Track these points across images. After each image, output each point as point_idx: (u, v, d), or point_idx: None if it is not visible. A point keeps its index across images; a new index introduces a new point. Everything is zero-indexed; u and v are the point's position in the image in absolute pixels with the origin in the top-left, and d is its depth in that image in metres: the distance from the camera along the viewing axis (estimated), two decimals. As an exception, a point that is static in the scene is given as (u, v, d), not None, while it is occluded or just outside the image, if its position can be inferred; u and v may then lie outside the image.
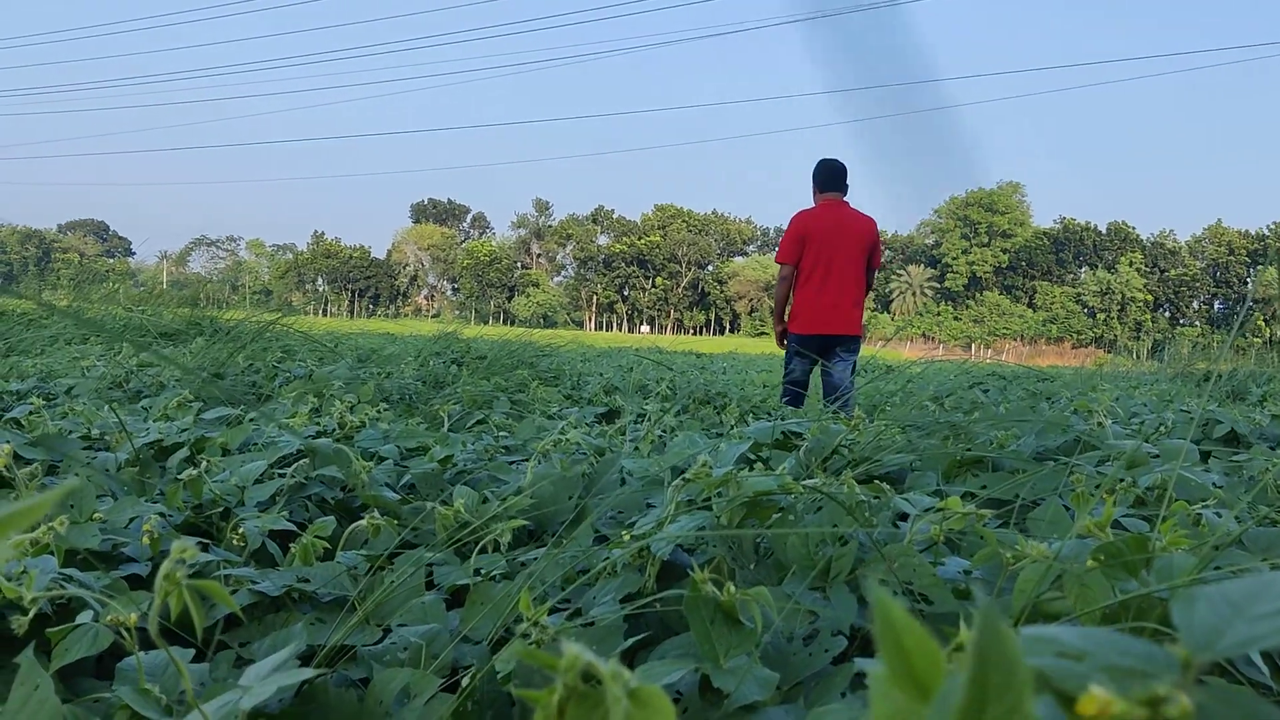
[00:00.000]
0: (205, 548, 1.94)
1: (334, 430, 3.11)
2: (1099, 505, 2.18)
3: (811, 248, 7.01)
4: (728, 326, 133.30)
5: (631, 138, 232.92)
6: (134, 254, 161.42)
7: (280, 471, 2.28)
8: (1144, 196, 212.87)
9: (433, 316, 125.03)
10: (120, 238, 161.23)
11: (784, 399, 6.96)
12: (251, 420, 3.66)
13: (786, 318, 7.21)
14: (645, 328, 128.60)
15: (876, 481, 2.37)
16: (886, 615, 0.35)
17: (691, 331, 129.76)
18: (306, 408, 3.32)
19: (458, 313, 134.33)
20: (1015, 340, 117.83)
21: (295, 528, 1.96)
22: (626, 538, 1.76)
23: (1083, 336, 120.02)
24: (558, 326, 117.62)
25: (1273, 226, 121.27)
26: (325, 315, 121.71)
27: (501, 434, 3.98)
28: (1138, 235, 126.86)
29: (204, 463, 2.06)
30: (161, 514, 2.07)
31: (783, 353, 7.29)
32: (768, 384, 12.45)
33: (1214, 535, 1.56)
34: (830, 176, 7.19)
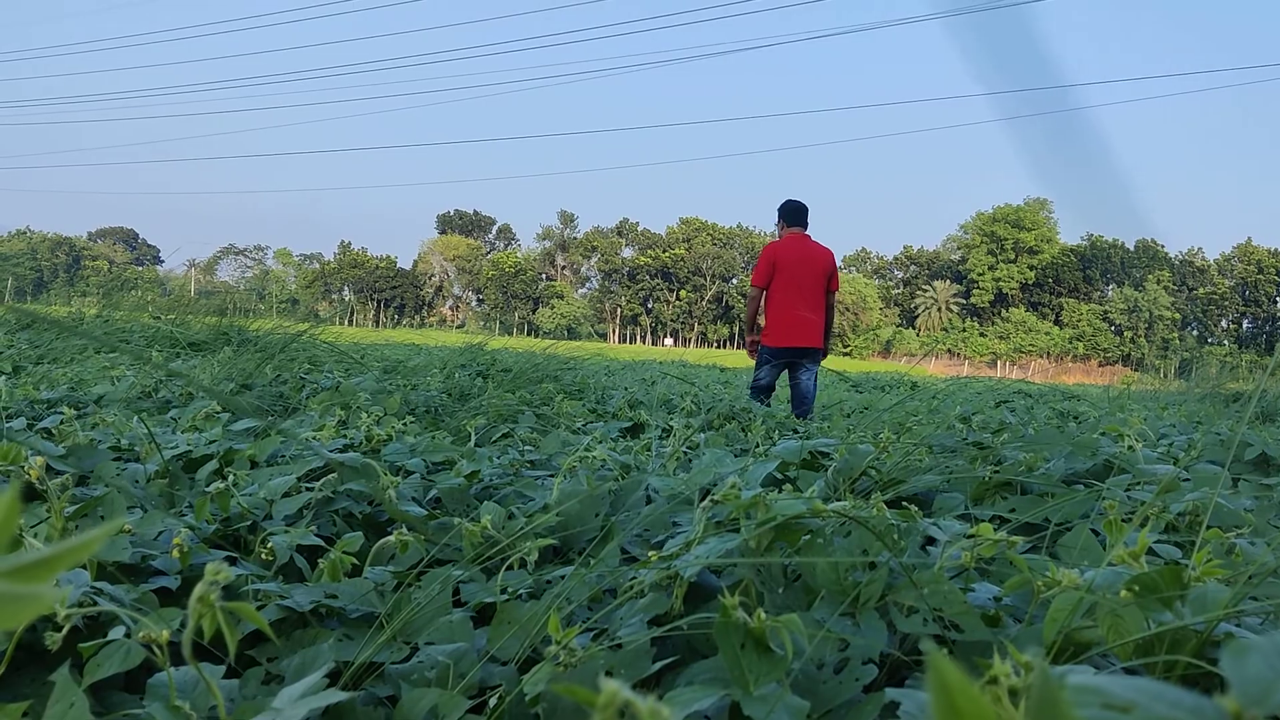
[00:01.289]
0: (233, 562, 1.94)
1: (361, 443, 3.12)
2: (1133, 533, 2.16)
3: (781, 274, 8.39)
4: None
5: (657, 150, 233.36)
6: (162, 262, 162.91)
7: (308, 485, 2.29)
8: (1173, 214, 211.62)
9: (458, 327, 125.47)
10: (149, 245, 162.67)
11: (751, 399, 7.82)
12: (279, 433, 3.68)
13: (757, 332, 8.65)
14: (669, 340, 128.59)
15: (905, 505, 2.36)
16: (941, 677, 0.35)
17: (715, 345, 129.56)
18: (334, 420, 3.33)
19: (482, 324, 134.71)
20: (1041, 357, 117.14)
21: (323, 542, 1.96)
22: (654, 558, 1.75)
23: (1109, 354, 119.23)
24: (581, 338, 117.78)
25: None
26: (351, 325, 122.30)
27: (527, 448, 3.98)
28: (1166, 253, 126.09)
29: (231, 476, 2.07)
30: (190, 527, 2.08)
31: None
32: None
33: (1249, 565, 1.55)
34: (795, 214, 8.60)
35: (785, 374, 8.93)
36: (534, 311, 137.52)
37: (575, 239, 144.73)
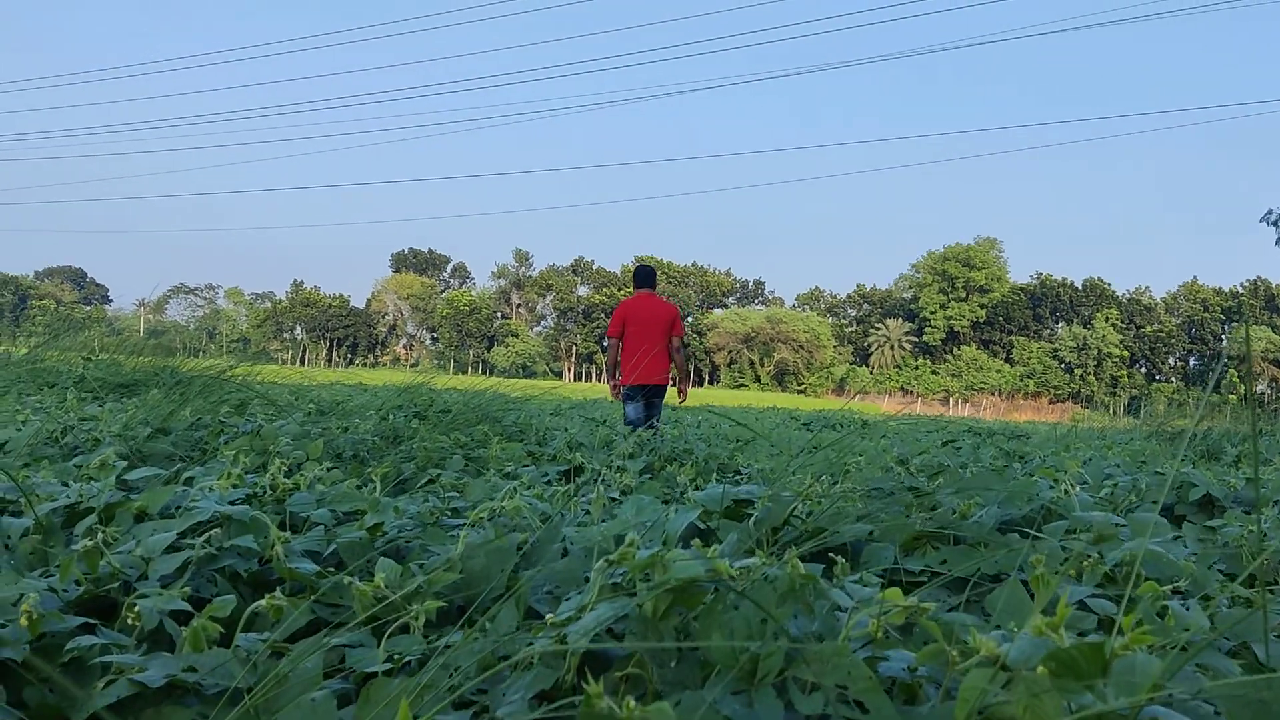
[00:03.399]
0: (92, 629, 1.78)
1: (266, 493, 2.95)
2: (1064, 583, 2.05)
3: (630, 326, 10.32)
4: (706, 378, 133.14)
5: (612, 189, 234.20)
6: (110, 301, 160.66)
7: (190, 542, 2.12)
8: (1120, 253, 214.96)
9: (411, 366, 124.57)
10: (97, 284, 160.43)
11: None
12: (182, 482, 3.50)
13: (618, 375, 10.44)
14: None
15: (832, 556, 2.23)
16: None
17: (671, 381, 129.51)
18: (239, 468, 3.15)
19: (436, 362, 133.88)
20: (993, 394, 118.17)
21: (190, 608, 1.79)
22: (549, 621, 1.61)
23: (1060, 392, 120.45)
24: (537, 377, 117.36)
25: (1246, 284, 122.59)
26: (303, 364, 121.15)
27: (451, 495, 3.82)
28: (1114, 292, 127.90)
29: (99, 534, 1.90)
30: (53, 590, 1.91)
31: (619, 399, 10.67)
32: (740, 438, 12.33)
33: (1181, 631, 1.44)
34: (643, 277, 10.75)
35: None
36: (489, 350, 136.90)
37: (530, 277, 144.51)
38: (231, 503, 2.87)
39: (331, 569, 2.54)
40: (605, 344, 10.85)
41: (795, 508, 2.34)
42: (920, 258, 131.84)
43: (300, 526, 2.86)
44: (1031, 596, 1.98)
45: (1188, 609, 1.64)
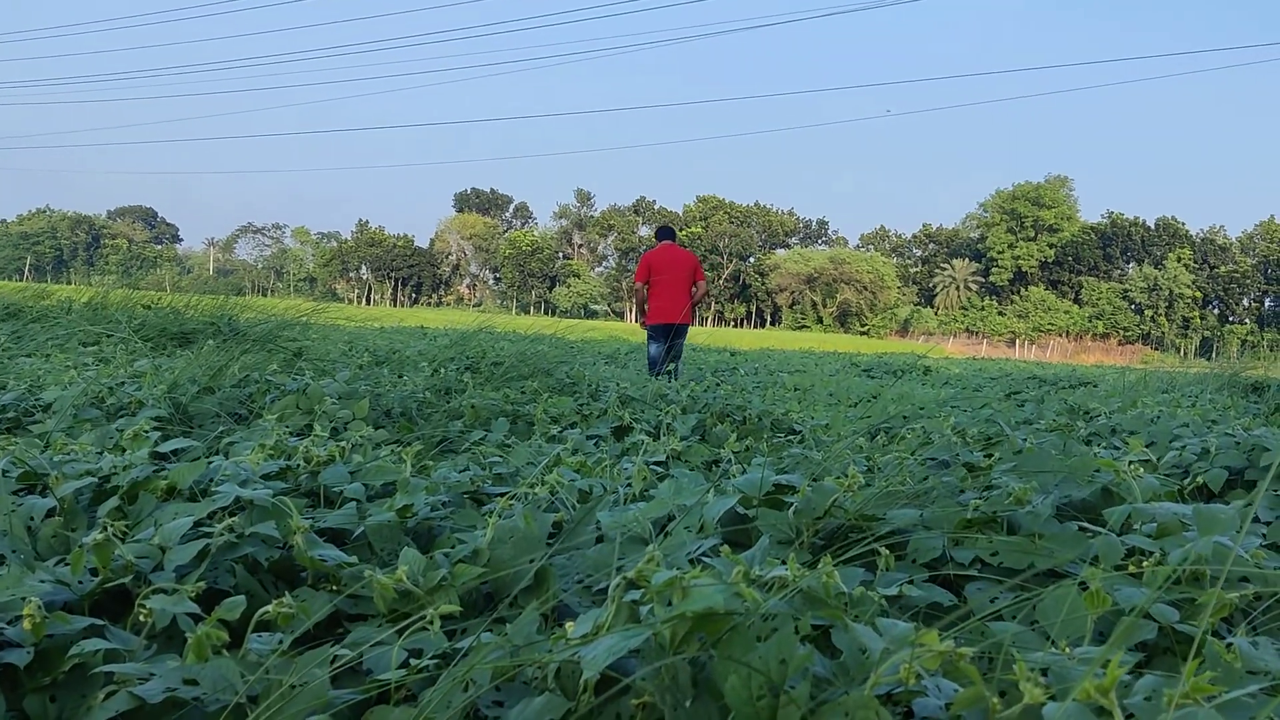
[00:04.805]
0: (101, 630, 1.73)
1: (300, 466, 2.89)
2: (1121, 587, 1.92)
3: (657, 275, 11.63)
4: (768, 319, 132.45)
5: (675, 129, 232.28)
6: (181, 240, 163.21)
7: (209, 529, 2.06)
8: (1195, 192, 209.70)
9: (475, 306, 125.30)
10: (168, 224, 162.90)
11: (650, 367, 11.44)
12: (220, 451, 3.46)
13: (646, 314, 11.74)
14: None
15: (877, 550, 2.12)
16: None
17: (732, 324, 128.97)
18: (273, 440, 3.10)
19: (499, 302, 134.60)
20: (1060, 336, 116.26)
21: (199, 610, 1.73)
22: (567, 638, 1.53)
23: (1129, 333, 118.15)
24: (598, 317, 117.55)
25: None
26: (369, 303, 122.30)
27: (495, 459, 3.76)
28: (1187, 231, 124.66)
29: (109, 527, 1.84)
30: (64, 582, 1.86)
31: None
32: (799, 387, 12.18)
33: (1246, 675, 1.31)
34: (665, 233, 12.14)
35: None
36: (550, 290, 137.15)
37: (592, 217, 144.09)
38: (265, 476, 2.83)
39: (364, 546, 2.49)
40: (635, 288, 12.05)
41: (835, 499, 2.22)
42: (989, 196, 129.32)
43: (335, 500, 2.81)
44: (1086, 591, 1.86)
45: (1256, 644, 1.51)
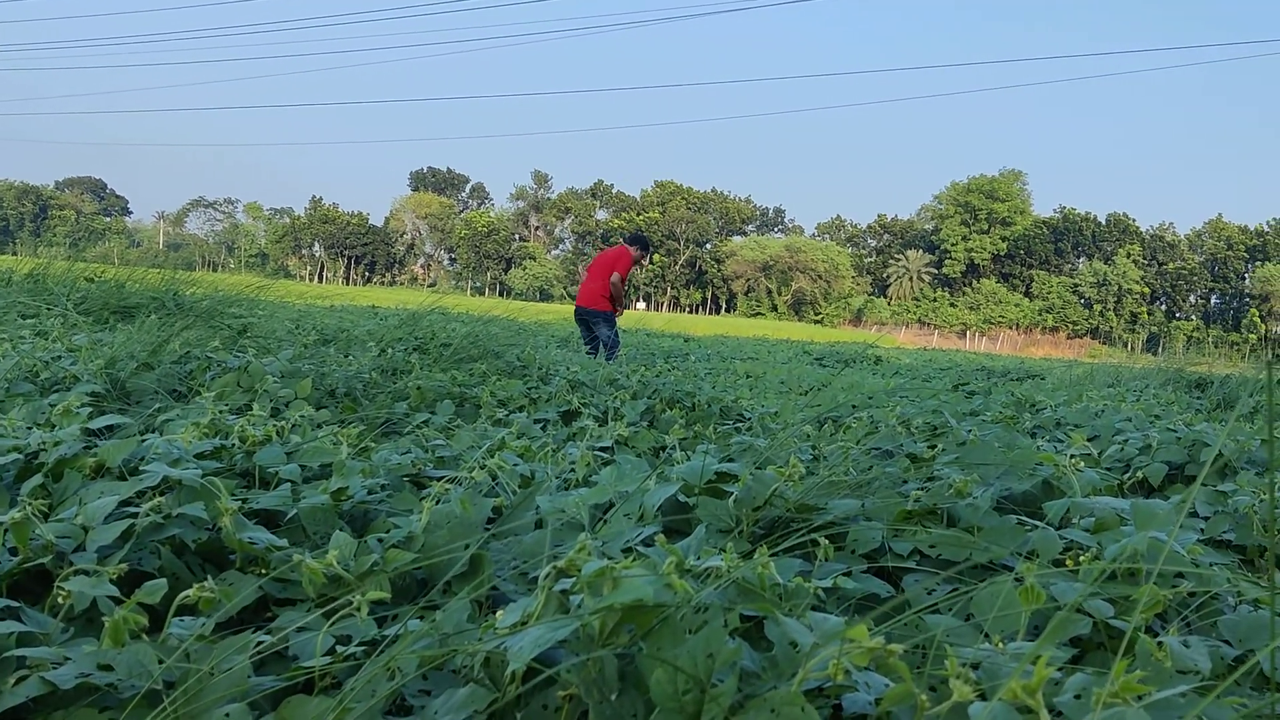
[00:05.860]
0: (17, 612, 1.67)
1: (235, 446, 2.84)
2: (1057, 582, 1.92)
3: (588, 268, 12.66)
4: (724, 305, 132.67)
5: (634, 113, 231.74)
6: (130, 213, 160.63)
7: (134, 509, 2.01)
8: (1146, 189, 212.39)
9: (429, 286, 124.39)
10: (118, 196, 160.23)
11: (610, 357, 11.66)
12: (155, 430, 3.39)
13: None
14: (641, 304, 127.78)
15: (816, 537, 2.11)
16: None
17: (688, 309, 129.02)
18: (208, 418, 3.04)
19: (454, 283, 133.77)
20: (1011, 329, 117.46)
21: (119, 593, 1.68)
22: (496, 618, 1.49)
23: (1078, 327, 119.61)
24: (554, 300, 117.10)
25: (1272, 222, 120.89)
26: (321, 281, 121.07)
27: (438, 442, 3.71)
28: (1137, 227, 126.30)
29: (27, 506, 1.79)
30: (-20, 563, 1.80)
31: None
32: (751, 374, 12.20)
33: (1174, 675, 1.31)
34: (630, 237, 12.95)
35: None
36: (506, 272, 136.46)
37: (549, 200, 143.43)
38: (199, 455, 2.77)
39: (297, 529, 2.44)
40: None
41: (776, 488, 2.21)
42: (944, 189, 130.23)
43: (271, 481, 2.76)
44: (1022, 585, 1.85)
45: (1188, 643, 1.50)
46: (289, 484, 2.60)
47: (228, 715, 1.33)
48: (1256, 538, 3.29)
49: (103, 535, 1.92)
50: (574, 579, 1.39)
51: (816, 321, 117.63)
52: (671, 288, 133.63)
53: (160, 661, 1.51)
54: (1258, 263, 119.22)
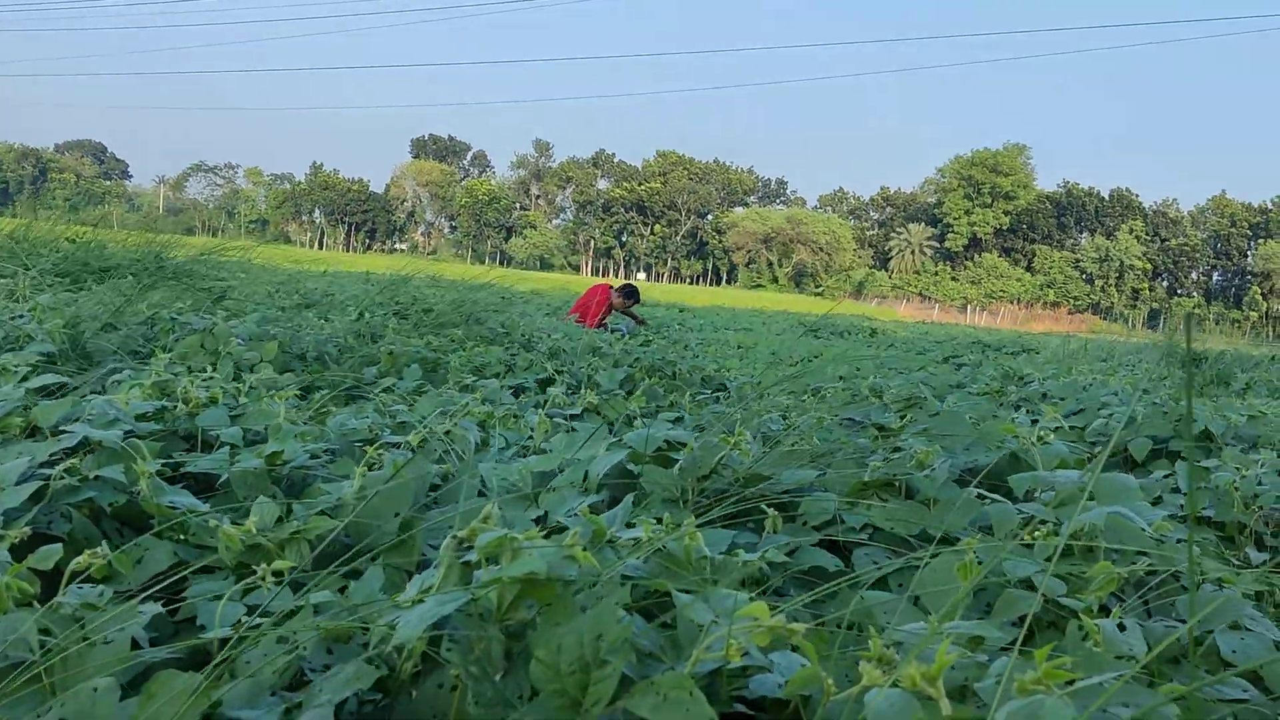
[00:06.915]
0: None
1: (177, 408, 2.74)
2: (1010, 557, 1.84)
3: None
4: (724, 277, 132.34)
5: (636, 82, 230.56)
6: (130, 177, 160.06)
7: (46, 472, 1.92)
8: (1149, 164, 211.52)
9: (429, 254, 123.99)
10: (118, 160, 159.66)
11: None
12: (103, 389, 3.30)
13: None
14: (641, 275, 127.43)
15: (767, 508, 2.02)
16: None
17: (688, 280, 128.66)
18: (152, 378, 2.95)
19: (454, 251, 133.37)
20: (1012, 303, 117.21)
21: (9, 558, 1.59)
22: (397, 601, 1.41)
23: (1079, 302, 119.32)
24: (554, 270, 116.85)
25: (1276, 200, 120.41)
26: (321, 248, 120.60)
27: (399, 407, 3.62)
28: (1140, 203, 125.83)
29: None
30: (-124, 525, 1.71)
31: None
32: (743, 345, 12.10)
33: (1106, 660, 1.22)
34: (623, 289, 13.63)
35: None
36: (507, 240, 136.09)
37: (550, 169, 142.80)
38: (140, 416, 2.68)
39: (231, 494, 2.35)
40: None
41: (725, 455, 2.12)
42: (947, 162, 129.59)
43: (213, 445, 2.67)
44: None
45: (1123, 627, 1.41)
46: (227, 448, 2.51)
47: (95, 689, 1.24)
48: (1235, 514, 3.22)
49: (11, 497, 1.83)
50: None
51: (817, 294, 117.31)
52: (672, 259, 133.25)
53: (48, 632, 1.43)
54: (1260, 240, 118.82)
